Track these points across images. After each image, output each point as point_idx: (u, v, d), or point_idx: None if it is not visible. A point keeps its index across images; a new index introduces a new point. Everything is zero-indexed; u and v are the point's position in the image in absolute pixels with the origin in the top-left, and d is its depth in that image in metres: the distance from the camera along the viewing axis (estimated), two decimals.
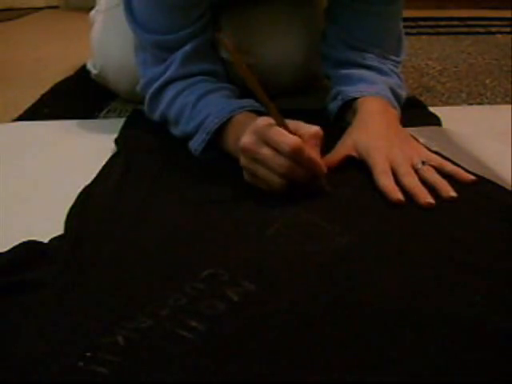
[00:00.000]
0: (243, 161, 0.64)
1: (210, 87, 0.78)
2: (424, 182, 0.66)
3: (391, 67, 0.86)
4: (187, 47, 0.78)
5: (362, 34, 0.85)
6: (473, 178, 0.68)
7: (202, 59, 0.81)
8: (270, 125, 0.62)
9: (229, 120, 0.72)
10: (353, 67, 0.85)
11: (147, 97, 0.82)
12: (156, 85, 0.80)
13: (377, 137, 0.72)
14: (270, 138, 0.61)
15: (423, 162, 0.68)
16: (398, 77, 0.87)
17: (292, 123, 0.63)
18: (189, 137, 0.77)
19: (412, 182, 0.65)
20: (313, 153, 0.62)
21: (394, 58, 0.87)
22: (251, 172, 0.64)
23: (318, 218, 0.60)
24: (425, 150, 0.72)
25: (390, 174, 0.67)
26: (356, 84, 0.82)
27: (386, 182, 0.65)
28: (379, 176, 0.66)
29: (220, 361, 0.41)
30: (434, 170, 0.68)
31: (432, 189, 0.65)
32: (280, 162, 0.60)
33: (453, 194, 0.64)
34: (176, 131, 0.81)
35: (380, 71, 0.84)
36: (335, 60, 0.88)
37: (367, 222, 0.61)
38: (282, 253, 0.55)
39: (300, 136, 0.61)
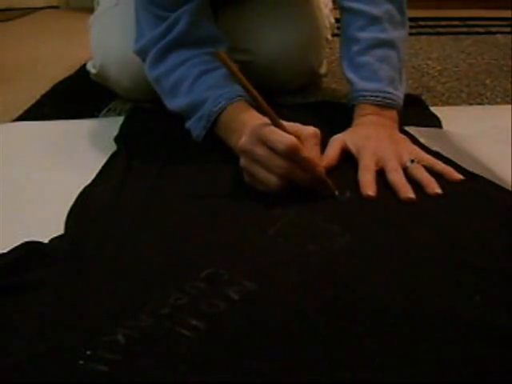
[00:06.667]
0: (242, 162, 0.64)
1: (210, 66, 0.78)
2: (412, 179, 0.67)
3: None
4: (189, 6, 0.79)
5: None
6: (461, 177, 0.68)
7: (205, 23, 0.82)
8: (267, 124, 0.62)
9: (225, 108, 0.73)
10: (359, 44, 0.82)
11: (150, 55, 0.82)
12: (160, 45, 0.80)
13: (366, 137, 0.73)
14: (266, 138, 0.61)
15: (412, 161, 0.69)
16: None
17: (289, 125, 0.63)
18: (181, 111, 0.78)
19: (396, 177, 0.66)
20: (312, 152, 0.62)
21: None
22: (249, 173, 0.64)
23: (318, 218, 0.60)
24: (418, 150, 0.73)
25: (373, 169, 0.68)
26: (359, 78, 0.81)
27: (365, 178, 0.67)
28: (361, 171, 0.68)
29: (220, 360, 0.41)
30: (423, 169, 0.68)
31: (420, 186, 0.66)
32: (277, 162, 0.60)
33: (438, 190, 0.64)
34: (169, 102, 0.81)
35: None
36: (348, 40, 0.84)
37: (367, 222, 0.61)
38: (282, 252, 0.55)
39: (298, 137, 0.61)
